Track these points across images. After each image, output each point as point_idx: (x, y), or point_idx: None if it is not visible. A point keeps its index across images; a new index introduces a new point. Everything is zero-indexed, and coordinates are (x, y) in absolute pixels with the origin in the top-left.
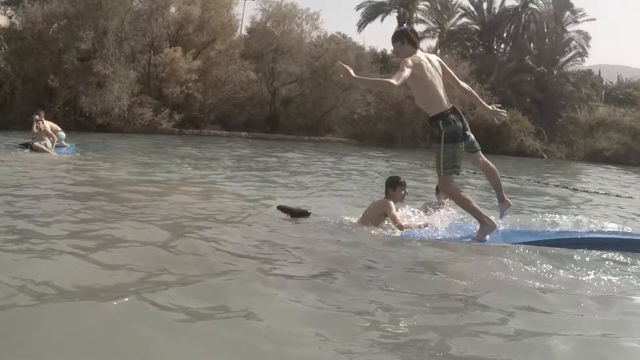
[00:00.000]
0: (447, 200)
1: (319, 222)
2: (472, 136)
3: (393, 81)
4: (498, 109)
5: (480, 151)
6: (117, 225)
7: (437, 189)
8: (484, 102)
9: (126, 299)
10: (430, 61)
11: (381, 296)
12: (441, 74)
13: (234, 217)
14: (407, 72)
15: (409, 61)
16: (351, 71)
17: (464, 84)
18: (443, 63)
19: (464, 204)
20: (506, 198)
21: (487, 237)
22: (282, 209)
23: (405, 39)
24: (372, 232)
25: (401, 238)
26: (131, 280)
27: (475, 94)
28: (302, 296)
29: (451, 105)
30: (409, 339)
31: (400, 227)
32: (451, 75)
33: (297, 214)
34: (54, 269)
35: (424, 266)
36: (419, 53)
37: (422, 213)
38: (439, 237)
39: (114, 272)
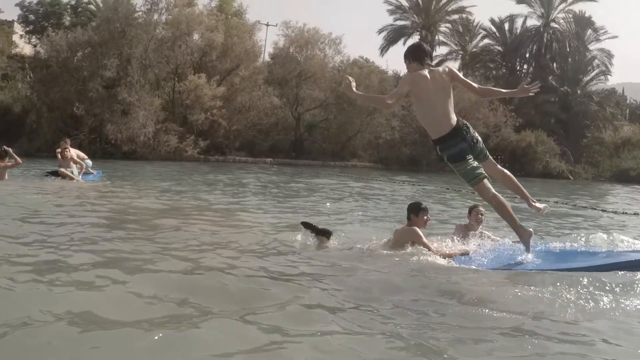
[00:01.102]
0: (481, 223)
1: (350, 248)
2: (480, 145)
3: (387, 100)
4: (527, 85)
5: (489, 159)
6: (147, 254)
7: (469, 211)
8: (507, 90)
9: (160, 331)
10: (435, 77)
11: (421, 327)
12: (449, 86)
13: (263, 244)
14: (400, 89)
15: (408, 78)
16: (353, 84)
17: (481, 87)
18: (455, 72)
19: (501, 210)
20: (535, 204)
21: (532, 243)
22: (306, 225)
23: (410, 57)
24: (405, 258)
25: (437, 265)
26: (165, 311)
27: (495, 88)
28: (337, 327)
29: (453, 125)
30: None
31: (442, 254)
32: (465, 82)
33: (320, 232)
34: (89, 299)
35: (462, 294)
36: (425, 70)
37: (456, 239)
38: (480, 265)
39: (148, 302)
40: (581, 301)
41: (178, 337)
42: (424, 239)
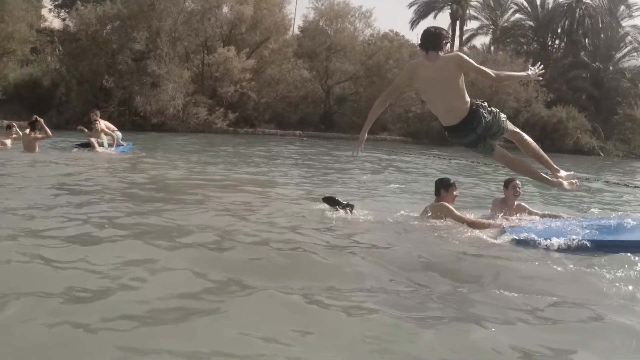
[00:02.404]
0: (518, 196)
1: (385, 222)
2: (496, 126)
3: (383, 97)
4: (531, 69)
5: (510, 129)
6: (180, 226)
7: (506, 185)
8: (521, 73)
9: (194, 307)
10: (437, 67)
11: (465, 303)
12: (455, 76)
13: (294, 217)
14: (397, 80)
15: (407, 67)
16: (358, 142)
17: (497, 72)
18: (465, 60)
19: (527, 171)
20: (560, 175)
21: (567, 185)
22: (327, 200)
23: (419, 43)
24: (441, 233)
25: (479, 239)
26: (199, 286)
27: (510, 73)
28: (384, 302)
29: (462, 116)
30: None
31: (479, 226)
32: (477, 70)
33: (342, 206)
34: (122, 274)
35: (505, 270)
36: (429, 58)
37: (495, 213)
38: (524, 239)
39: (182, 276)
40: (631, 282)
41: (213, 315)
42: (456, 212)
